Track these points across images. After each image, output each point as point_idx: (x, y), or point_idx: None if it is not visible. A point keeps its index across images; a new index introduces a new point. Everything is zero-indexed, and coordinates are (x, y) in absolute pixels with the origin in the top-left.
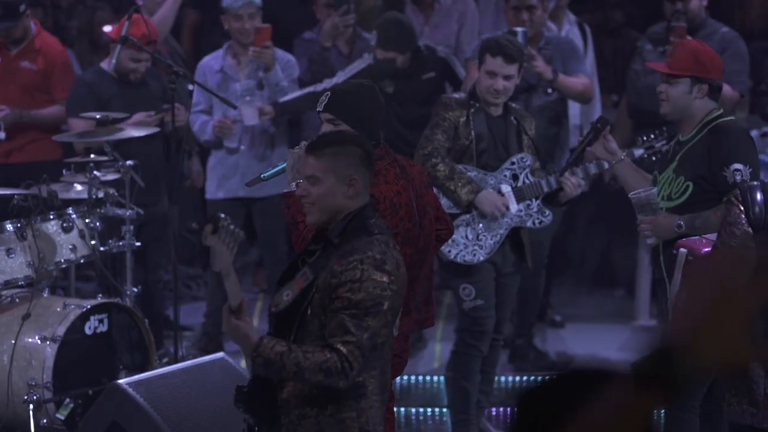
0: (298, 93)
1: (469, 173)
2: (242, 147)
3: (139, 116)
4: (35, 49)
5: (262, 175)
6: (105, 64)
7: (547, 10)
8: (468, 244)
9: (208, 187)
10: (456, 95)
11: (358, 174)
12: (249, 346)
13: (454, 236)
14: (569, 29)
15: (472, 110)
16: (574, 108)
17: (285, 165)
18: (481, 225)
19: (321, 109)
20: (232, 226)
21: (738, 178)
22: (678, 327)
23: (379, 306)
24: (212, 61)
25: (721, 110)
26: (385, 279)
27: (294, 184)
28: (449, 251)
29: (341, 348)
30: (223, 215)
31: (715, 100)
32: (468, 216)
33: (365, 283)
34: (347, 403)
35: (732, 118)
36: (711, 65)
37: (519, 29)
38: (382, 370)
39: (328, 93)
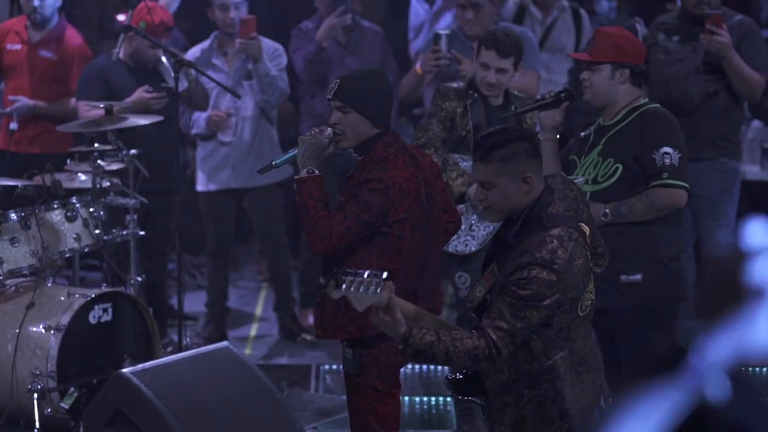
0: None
1: (465, 163)
2: (233, 139)
3: (140, 92)
4: (57, 38)
5: (273, 162)
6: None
7: (498, 5)
8: (460, 234)
9: (199, 180)
10: (454, 84)
11: (529, 169)
12: (398, 336)
13: None
14: (558, 16)
15: (470, 101)
16: None
17: (296, 152)
18: (474, 216)
19: (330, 97)
20: (359, 276)
21: (667, 161)
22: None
23: (541, 301)
24: (198, 53)
25: (647, 99)
26: (553, 277)
27: (304, 170)
28: (454, 246)
29: (491, 334)
30: (346, 270)
31: (638, 86)
32: (462, 206)
33: (532, 280)
34: (543, 387)
35: (659, 105)
36: (631, 50)
37: (443, 32)
38: (571, 349)
39: (337, 81)
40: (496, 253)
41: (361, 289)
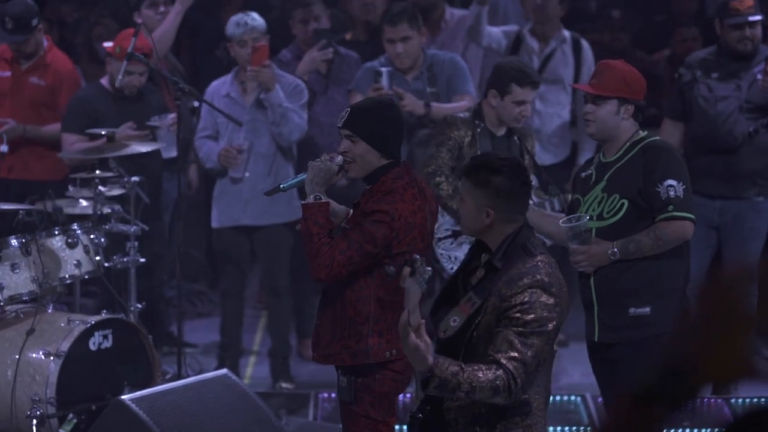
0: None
1: None
2: (246, 174)
3: (124, 128)
4: (45, 64)
5: (281, 186)
6: (104, 81)
7: (425, 34)
8: None
9: (213, 216)
10: (461, 114)
11: (495, 206)
12: (425, 366)
13: (457, 254)
14: (556, 47)
15: (478, 130)
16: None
17: (304, 176)
18: None
19: (340, 125)
20: (425, 266)
21: (672, 193)
22: (682, 344)
23: (545, 326)
24: (220, 86)
25: (647, 132)
26: (551, 301)
27: (311, 196)
28: (452, 268)
29: (507, 364)
30: (417, 257)
31: (637, 120)
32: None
33: (534, 305)
34: (514, 421)
35: (659, 138)
36: (637, 86)
37: (384, 70)
38: (545, 387)
39: (348, 109)
40: (466, 280)
41: (419, 287)
